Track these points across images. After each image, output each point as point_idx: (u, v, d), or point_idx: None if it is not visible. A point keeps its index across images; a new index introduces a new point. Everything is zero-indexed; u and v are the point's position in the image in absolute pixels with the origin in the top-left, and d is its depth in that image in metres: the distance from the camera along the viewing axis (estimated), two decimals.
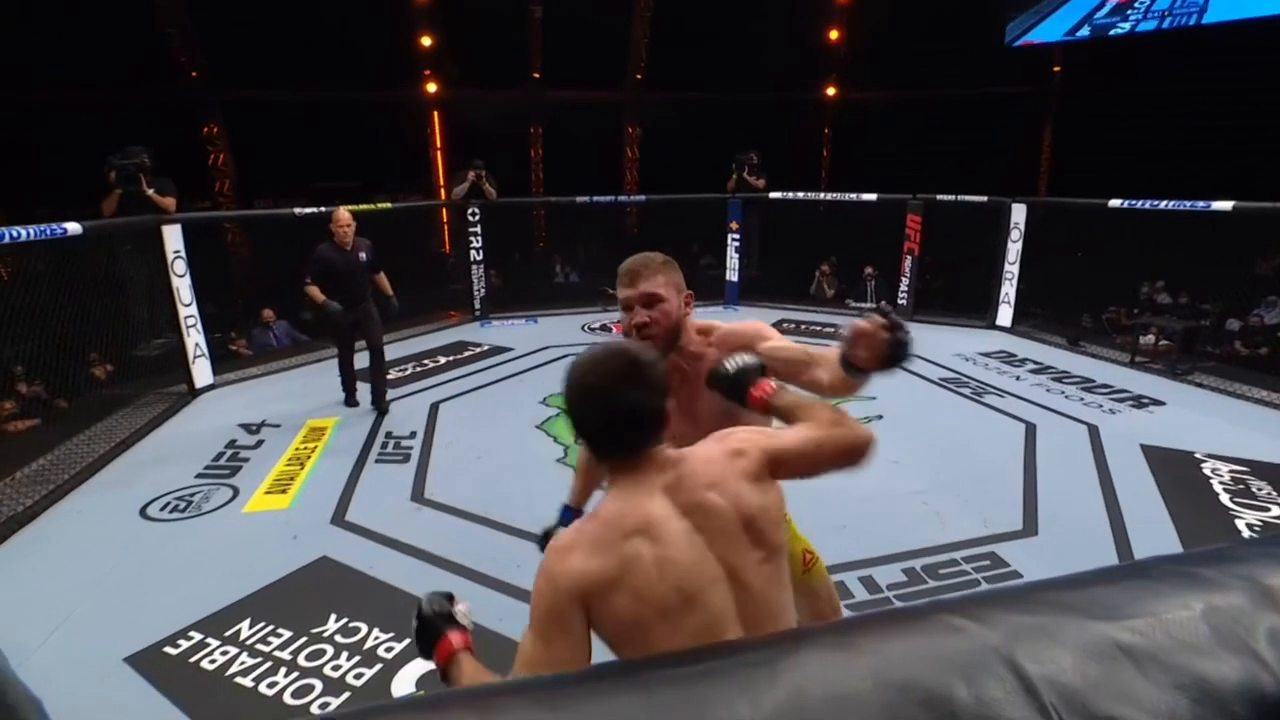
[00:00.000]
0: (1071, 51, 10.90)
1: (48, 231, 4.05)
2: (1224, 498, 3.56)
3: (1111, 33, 9.23)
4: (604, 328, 7.47)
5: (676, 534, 1.05)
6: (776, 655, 0.35)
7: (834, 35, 11.91)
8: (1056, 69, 11.59)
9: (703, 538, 1.06)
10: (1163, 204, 5.59)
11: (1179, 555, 0.42)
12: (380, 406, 5.01)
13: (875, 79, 11.62)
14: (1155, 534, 3.23)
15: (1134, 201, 5.79)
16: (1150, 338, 6.12)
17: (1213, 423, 4.60)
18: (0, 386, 4.62)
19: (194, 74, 9.90)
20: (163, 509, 3.61)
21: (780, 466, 1.15)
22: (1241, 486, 3.66)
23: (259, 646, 2.53)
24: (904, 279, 7.66)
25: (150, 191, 5.36)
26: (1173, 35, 8.73)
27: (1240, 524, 3.29)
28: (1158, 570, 0.41)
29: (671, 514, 1.07)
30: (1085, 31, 9.56)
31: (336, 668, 2.43)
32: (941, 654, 0.33)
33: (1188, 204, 5.43)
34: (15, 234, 3.86)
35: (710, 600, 1.04)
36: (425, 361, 6.21)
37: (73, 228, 4.20)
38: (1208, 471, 3.84)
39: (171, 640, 2.57)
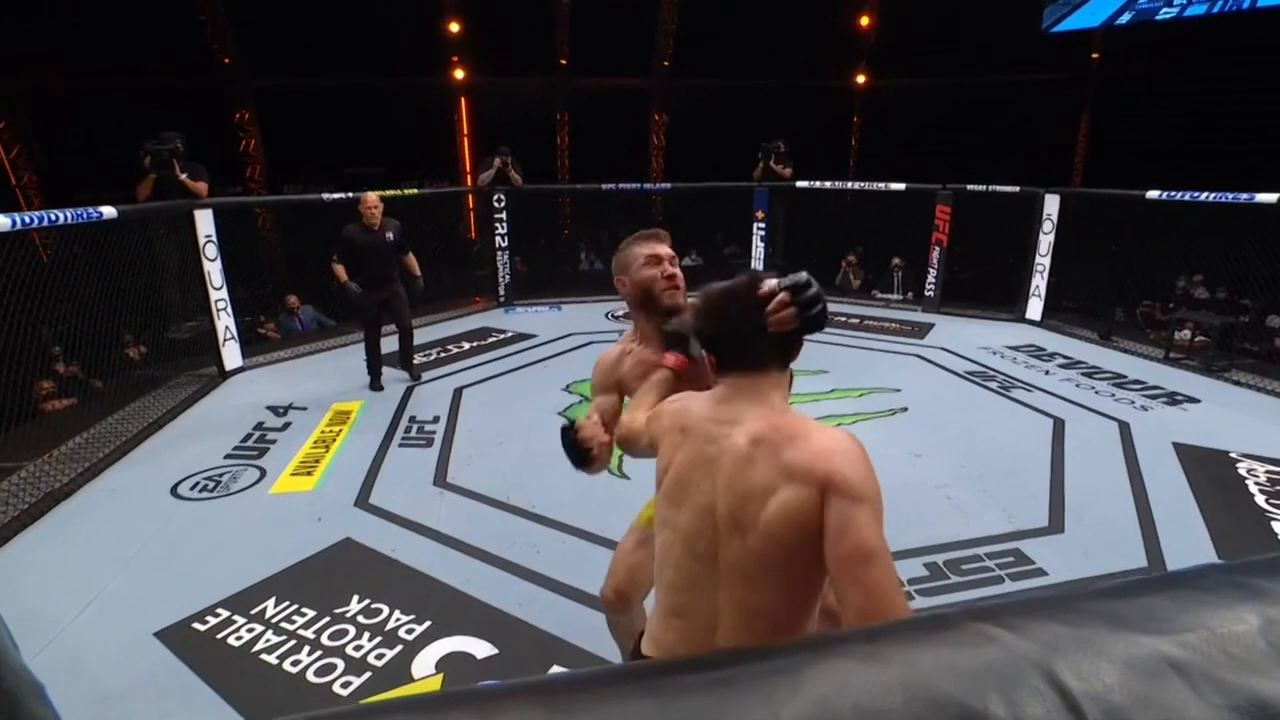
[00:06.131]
0: (1111, 38, 10.58)
1: (84, 215, 4.12)
2: (1260, 499, 3.45)
3: (1158, 17, 8.92)
4: (628, 315, 7.46)
5: (700, 450, 1.18)
6: (800, 664, 0.33)
7: (864, 21, 11.69)
8: (1095, 56, 11.27)
9: (715, 470, 1.16)
10: (1203, 196, 5.41)
11: (1233, 564, 0.40)
12: (413, 374, 5.19)
13: (906, 66, 11.41)
14: (1187, 534, 3.15)
15: (1173, 193, 5.62)
16: (1186, 333, 5.96)
17: (1250, 421, 4.47)
18: (39, 367, 4.74)
19: (226, 61, 10.02)
20: (193, 488, 3.68)
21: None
22: (1279, 487, 3.55)
23: (284, 625, 2.58)
24: (932, 270, 7.54)
25: (183, 176, 5.44)
26: (1221, 20, 8.42)
27: (1277, 526, 3.20)
28: (1210, 580, 0.38)
29: (716, 436, 1.17)
30: (1127, 17, 9.26)
31: (358, 648, 2.46)
32: (975, 667, 0.31)
33: (1229, 196, 5.26)
34: (53, 217, 3.93)
35: (690, 515, 1.17)
36: (449, 347, 6.26)
37: (108, 212, 4.27)
38: (1243, 471, 3.73)
39: (200, 616, 2.62)
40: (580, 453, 1.51)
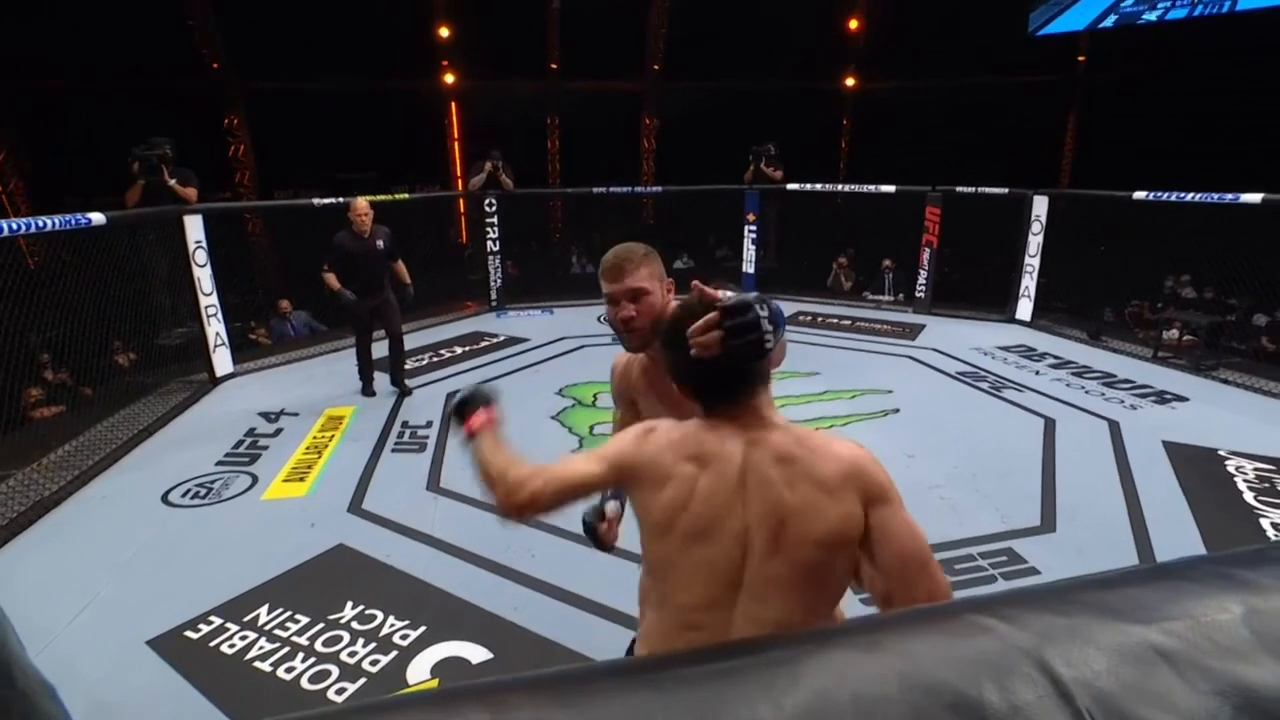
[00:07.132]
0: (1097, 41, 10.69)
1: (72, 222, 4.10)
2: (1248, 496, 3.49)
3: (1141, 20, 9.03)
4: None
5: (724, 475, 1.11)
6: (799, 655, 0.34)
7: (853, 25, 11.76)
8: (1081, 59, 11.37)
9: (743, 495, 1.11)
10: (1189, 196, 5.47)
11: (1217, 556, 0.41)
12: (401, 387, 5.13)
13: (895, 69, 11.48)
14: (1177, 532, 3.18)
15: (1159, 194, 5.68)
16: (1174, 333, 6.02)
17: (1238, 419, 4.51)
18: (27, 374, 4.69)
19: (215, 65, 9.97)
20: (184, 495, 3.66)
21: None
22: (1267, 484, 3.59)
23: (277, 632, 2.57)
24: (922, 271, 7.58)
25: (172, 182, 5.42)
26: (1203, 23, 8.53)
27: (1265, 523, 3.23)
28: (1195, 571, 0.39)
29: (734, 459, 1.12)
30: (1111, 20, 9.36)
31: (353, 654, 2.45)
32: (970, 656, 0.32)
33: (1215, 196, 5.32)
34: (42, 224, 3.91)
35: (720, 546, 1.11)
36: (442, 351, 6.24)
37: (97, 218, 4.25)
38: (1232, 469, 3.77)
39: (192, 624, 2.61)
40: (599, 544, 1.66)
